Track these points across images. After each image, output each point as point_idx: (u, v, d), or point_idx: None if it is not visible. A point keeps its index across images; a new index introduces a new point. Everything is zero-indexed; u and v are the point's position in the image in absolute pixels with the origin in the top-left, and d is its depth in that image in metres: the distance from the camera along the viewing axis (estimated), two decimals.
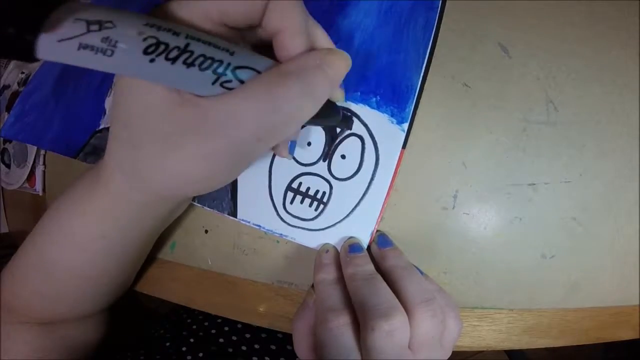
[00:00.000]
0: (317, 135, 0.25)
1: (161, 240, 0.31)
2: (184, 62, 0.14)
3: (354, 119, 0.25)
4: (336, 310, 0.21)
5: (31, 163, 0.40)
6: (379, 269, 0.23)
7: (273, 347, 0.34)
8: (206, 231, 0.30)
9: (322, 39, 0.19)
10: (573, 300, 0.25)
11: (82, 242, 0.23)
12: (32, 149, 0.40)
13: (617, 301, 0.25)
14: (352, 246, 0.24)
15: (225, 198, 0.27)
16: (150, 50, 0.14)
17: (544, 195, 0.24)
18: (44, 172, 0.41)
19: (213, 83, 0.15)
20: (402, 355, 0.19)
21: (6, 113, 0.44)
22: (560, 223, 0.24)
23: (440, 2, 0.25)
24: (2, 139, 0.45)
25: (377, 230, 0.25)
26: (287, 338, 0.35)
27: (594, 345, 0.25)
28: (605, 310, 0.25)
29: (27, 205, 0.46)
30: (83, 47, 0.13)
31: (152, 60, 0.14)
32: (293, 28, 0.17)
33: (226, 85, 0.15)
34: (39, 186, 0.41)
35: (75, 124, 0.34)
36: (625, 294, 0.25)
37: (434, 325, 0.20)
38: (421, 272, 0.23)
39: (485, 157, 0.24)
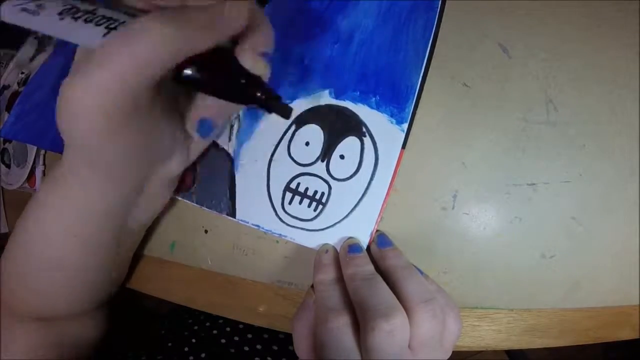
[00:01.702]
0: (316, 135, 0.25)
1: (161, 240, 0.31)
2: (85, 20, 0.18)
3: (354, 119, 0.25)
4: (336, 311, 0.21)
5: (31, 163, 0.40)
6: (378, 269, 0.23)
7: (275, 347, 0.34)
8: (206, 231, 0.30)
9: None
10: (573, 300, 0.25)
11: (56, 237, 0.24)
12: (32, 149, 0.40)
13: (617, 301, 0.25)
14: (352, 246, 0.24)
15: (224, 198, 0.27)
16: (64, 12, 0.18)
17: (544, 195, 0.24)
18: (44, 172, 0.41)
19: (104, 36, 0.17)
20: (402, 355, 0.19)
21: (6, 113, 0.44)
22: (560, 223, 0.24)
23: (440, 2, 0.24)
24: (2, 139, 0.45)
25: (377, 230, 0.25)
26: (289, 338, 0.35)
27: (594, 345, 0.25)
28: (605, 310, 0.25)
29: None
30: (23, 9, 0.18)
31: (62, 19, 0.18)
32: None
33: None
34: (38, 186, 0.41)
35: None
36: (625, 294, 0.25)
37: (434, 325, 0.20)
38: (421, 272, 0.23)
39: (485, 157, 0.24)
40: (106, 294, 0.31)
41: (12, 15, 0.18)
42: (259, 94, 0.18)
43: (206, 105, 0.23)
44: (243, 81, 0.18)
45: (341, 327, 0.21)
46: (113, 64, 0.16)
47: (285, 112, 0.19)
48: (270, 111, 0.19)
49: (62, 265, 0.26)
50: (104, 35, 0.17)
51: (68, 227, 0.24)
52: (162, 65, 0.16)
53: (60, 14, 0.18)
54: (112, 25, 0.17)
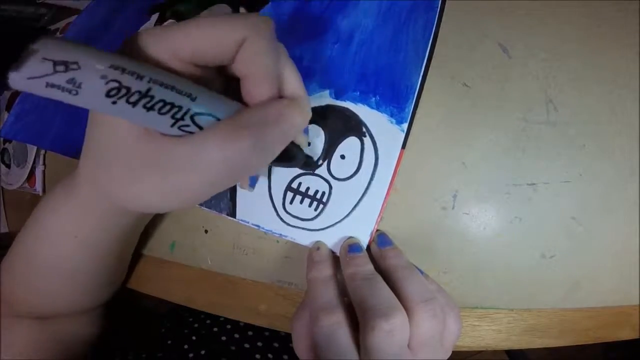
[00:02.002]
0: (317, 135, 0.25)
1: (161, 240, 0.31)
2: (144, 106, 0.15)
3: (354, 119, 0.25)
4: (328, 309, 0.21)
5: (31, 163, 0.40)
6: (378, 268, 0.23)
7: (276, 344, 0.34)
8: (206, 231, 0.30)
9: (292, 84, 0.19)
10: (573, 300, 0.25)
11: (58, 239, 0.25)
12: (32, 149, 0.40)
13: (617, 301, 0.25)
14: (352, 246, 0.24)
15: (224, 198, 0.27)
16: (112, 93, 0.14)
17: (544, 195, 0.24)
18: (44, 172, 0.41)
19: (172, 126, 0.16)
20: (402, 355, 0.19)
21: (6, 113, 0.44)
22: (560, 223, 0.24)
23: (440, 2, 0.25)
24: (2, 139, 0.45)
25: (377, 230, 0.25)
26: (290, 336, 0.35)
27: (594, 345, 0.25)
28: (605, 310, 0.25)
29: (27, 205, 0.46)
30: (50, 85, 0.14)
31: (114, 103, 0.15)
32: (259, 75, 0.17)
33: (184, 129, 0.16)
34: (39, 186, 0.41)
35: (76, 123, 0.34)
36: (625, 294, 0.25)
37: (434, 325, 0.20)
38: (421, 272, 0.23)
39: (485, 157, 0.24)
40: (107, 293, 0.31)
41: (35, 89, 0.14)
42: (302, 159, 0.22)
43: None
44: (292, 152, 0.21)
45: (333, 324, 0.21)
46: (195, 178, 0.17)
47: (314, 167, 0.26)
48: (306, 170, 0.26)
49: (63, 266, 0.26)
50: (172, 125, 0.16)
51: (72, 231, 0.24)
52: (240, 179, 0.19)
53: (109, 95, 0.14)
54: (177, 116, 0.16)
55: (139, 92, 0.15)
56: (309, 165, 0.25)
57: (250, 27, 0.16)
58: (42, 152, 0.41)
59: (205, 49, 0.16)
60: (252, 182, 0.25)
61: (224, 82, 0.19)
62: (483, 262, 0.25)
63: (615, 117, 0.24)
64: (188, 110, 0.16)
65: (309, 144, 0.26)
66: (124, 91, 0.15)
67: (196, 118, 0.16)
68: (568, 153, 0.24)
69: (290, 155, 0.21)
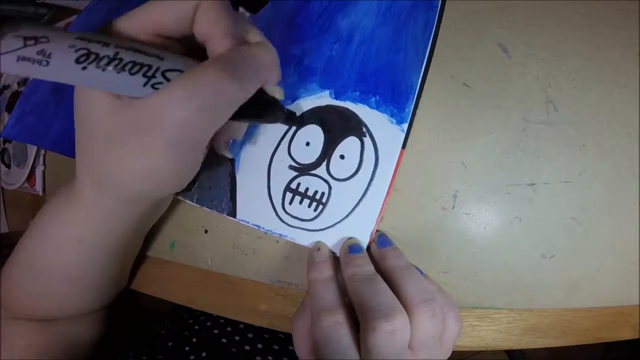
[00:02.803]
0: (316, 135, 0.25)
1: (161, 240, 0.31)
2: (114, 68, 0.16)
3: (354, 119, 0.25)
4: (328, 309, 0.21)
5: (31, 163, 0.40)
6: (378, 269, 0.23)
7: (276, 347, 0.34)
8: (206, 231, 0.30)
9: (256, 37, 0.20)
10: (573, 300, 0.25)
11: (62, 245, 0.25)
12: (32, 149, 0.40)
13: (617, 301, 0.25)
14: (352, 247, 0.24)
15: (225, 198, 0.27)
16: (81, 59, 0.15)
17: (544, 195, 0.24)
18: (44, 172, 0.41)
19: (144, 85, 0.17)
20: (402, 355, 0.19)
21: (6, 113, 0.44)
22: (560, 223, 0.24)
23: (440, 1, 0.24)
24: (2, 139, 0.45)
25: (377, 230, 0.25)
26: (290, 338, 0.35)
27: (594, 345, 0.25)
28: (605, 310, 0.25)
29: (27, 205, 0.46)
30: (21, 58, 0.15)
31: (84, 68, 0.16)
32: (218, 33, 0.18)
33: (157, 86, 0.17)
34: (39, 186, 0.41)
35: None
36: (625, 294, 0.25)
37: (434, 325, 0.20)
38: (421, 272, 0.23)
39: (485, 157, 0.24)
40: (110, 296, 0.31)
41: (7, 65, 0.15)
42: (282, 113, 0.22)
43: (234, 128, 0.24)
44: (270, 106, 0.21)
45: (334, 325, 0.21)
46: (180, 121, 0.17)
47: (299, 123, 0.26)
48: (290, 125, 0.25)
49: (68, 271, 0.26)
50: (145, 84, 0.17)
51: (76, 235, 0.24)
52: (225, 116, 0.18)
53: (78, 61, 0.15)
54: (149, 74, 0.17)
55: (108, 56, 0.16)
56: (291, 119, 0.24)
57: None
58: (42, 152, 0.41)
59: (164, 19, 0.18)
60: (234, 148, 0.24)
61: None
62: (483, 262, 0.25)
63: (615, 117, 0.24)
64: (158, 67, 0.17)
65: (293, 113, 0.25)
66: (93, 57, 0.16)
67: (167, 74, 0.17)
68: (568, 153, 0.24)
69: (267, 107, 0.21)
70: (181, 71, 0.17)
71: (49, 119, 0.35)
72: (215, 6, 0.18)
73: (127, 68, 0.16)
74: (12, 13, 0.50)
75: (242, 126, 0.25)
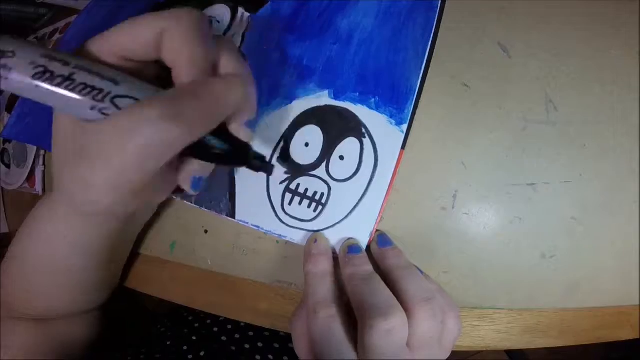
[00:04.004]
0: (315, 136, 0.25)
1: (161, 240, 0.31)
2: (66, 88, 0.16)
3: (353, 119, 0.25)
4: (323, 303, 0.21)
5: (31, 163, 0.40)
6: (379, 268, 0.23)
7: (276, 345, 0.34)
8: (206, 231, 0.30)
9: (226, 66, 0.19)
10: (573, 300, 0.25)
11: (49, 241, 0.26)
12: (32, 149, 0.40)
13: (617, 301, 0.25)
14: (351, 247, 0.24)
15: (224, 199, 0.27)
16: (37, 76, 0.16)
17: (544, 195, 0.24)
18: (43, 172, 0.41)
19: (91, 109, 0.17)
20: (401, 354, 0.19)
21: (6, 113, 0.44)
22: (560, 223, 0.24)
23: (440, 2, 0.24)
24: (2, 139, 0.45)
25: (377, 230, 0.25)
26: (290, 337, 0.35)
27: (594, 345, 0.25)
28: (605, 310, 0.25)
29: (27, 205, 0.46)
30: None
31: (37, 86, 0.16)
32: (181, 61, 0.18)
33: (105, 112, 0.17)
34: (39, 186, 0.41)
35: None
36: (625, 294, 0.25)
37: (433, 325, 0.20)
38: (421, 272, 0.23)
39: (485, 157, 0.24)
40: (102, 295, 0.31)
41: None
42: (249, 159, 0.21)
43: (198, 167, 0.22)
44: (234, 150, 0.20)
45: (328, 318, 0.21)
46: (116, 160, 0.17)
47: (269, 170, 0.24)
48: (257, 171, 0.22)
49: (57, 267, 0.26)
50: (92, 108, 0.17)
51: (62, 232, 0.25)
52: (163, 158, 0.17)
53: (34, 77, 0.16)
54: (97, 98, 0.17)
55: (62, 75, 0.16)
56: (263, 168, 0.22)
57: (169, 19, 0.17)
58: (42, 152, 0.41)
59: (127, 45, 0.18)
60: (196, 184, 0.22)
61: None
62: (483, 262, 0.25)
63: (615, 117, 0.24)
64: (109, 92, 0.17)
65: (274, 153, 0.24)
66: (47, 75, 0.16)
67: (117, 100, 0.17)
68: (568, 153, 0.24)
69: (234, 154, 0.20)
70: (135, 98, 0.17)
71: (49, 119, 0.35)
72: (181, 32, 0.17)
73: (77, 90, 0.17)
74: (12, 13, 0.50)
75: (208, 166, 0.23)
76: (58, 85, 0.16)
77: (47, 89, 0.16)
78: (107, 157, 0.17)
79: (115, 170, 0.17)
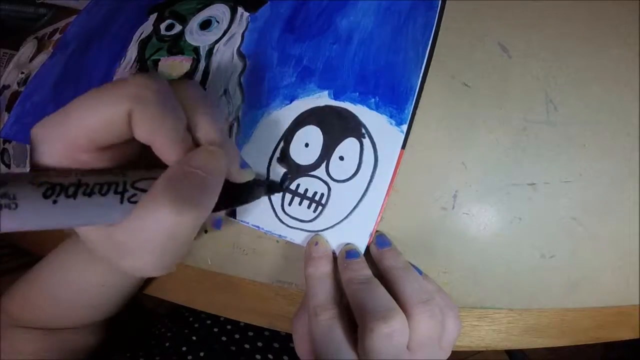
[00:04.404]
0: (315, 136, 0.25)
1: None
2: (84, 194, 0.15)
3: (353, 120, 0.25)
4: (324, 305, 0.22)
5: None
6: (377, 269, 0.23)
7: (276, 345, 0.34)
8: (206, 231, 0.30)
9: (204, 132, 0.19)
10: (573, 300, 0.25)
11: (85, 287, 0.28)
12: None
13: (617, 301, 0.25)
14: (349, 252, 0.24)
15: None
16: (48, 193, 0.14)
17: (544, 195, 0.24)
18: None
19: (121, 202, 0.16)
20: (400, 355, 0.19)
21: (6, 113, 0.44)
22: (560, 223, 0.24)
23: (440, 1, 0.24)
24: (2, 139, 0.45)
25: (377, 231, 0.25)
26: (290, 336, 0.35)
27: (594, 345, 0.25)
28: (605, 310, 0.25)
29: None
30: None
31: (55, 202, 0.14)
32: (158, 142, 0.17)
33: (133, 199, 0.16)
34: None
35: None
36: (625, 294, 0.25)
37: (432, 325, 0.20)
38: (420, 272, 0.23)
39: (485, 157, 0.24)
40: (119, 308, 0.32)
41: None
42: (260, 190, 0.23)
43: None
44: (247, 189, 0.22)
45: (328, 320, 0.21)
46: (154, 249, 0.17)
47: (284, 189, 0.26)
48: (274, 193, 0.25)
49: (87, 303, 0.29)
50: (121, 201, 0.16)
51: (100, 281, 0.27)
52: (196, 230, 0.18)
53: (46, 196, 0.14)
54: (119, 190, 0.16)
55: (72, 184, 0.15)
56: (273, 189, 0.25)
57: (132, 99, 0.16)
58: None
59: (97, 131, 0.16)
60: (217, 224, 0.25)
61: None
62: (483, 262, 0.25)
63: (615, 117, 0.24)
64: (125, 181, 0.16)
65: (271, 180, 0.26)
66: (58, 188, 0.14)
67: (138, 184, 0.16)
68: (568, 153, 0.24)
69: (247, 192, 0.22)
70: (150, 178, 0.17)
71: None
72: (148, 112, 0.16)
73: (96, 190, 0.15)
74: (12, 13, 0.50)
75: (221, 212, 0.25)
76: (75, 193, 0.15)
77: (68, 203, 0.14)
78: (144, 249, 0.17)
79: (156, 256, 0.17)
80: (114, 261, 0.19)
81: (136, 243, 0.17)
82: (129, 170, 0.17)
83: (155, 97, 0.16)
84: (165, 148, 0.17)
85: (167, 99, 0.17)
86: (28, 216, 0.14)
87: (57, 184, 0.14)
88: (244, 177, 0.22)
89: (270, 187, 0.25)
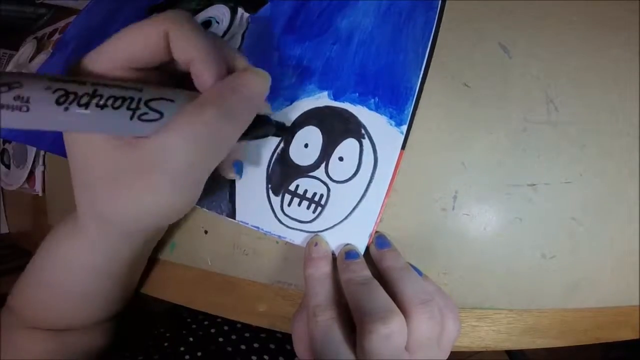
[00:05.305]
0: (315, 137, 0.25)
1: (161, 241, 0.31)
2: (97, 105, 0.15)
3: (353, 120, 0.25)
4: (323, 306, 0.22)
5: (31, 164, 0.40)
6: (377, 270, 0.23)
7: (272, 346, 0.34)
8: (206, 232, 0.30)
9: (238, 61, 0.20)
10: (573, 300, 0.25)
11: (70, 268, 0.26)
12: (31, 150, 0.40)
13: (617, 301, 0.25)
14: (348, 253, 0.24)
15: (224, 200, 0.27)
16: (61, 100, 0.14)
17: (544, 195, 0.24)
18: (43, 172, 0.41)
19: (131, 118, 0.16)
20: (399, 356, 0.19)
21: None
22: (560, 223, 0.24)
23: (440, 1, 0.24)
24: (1, 139, 0.45)
25: (376, 232, 0.25)
26: (286, 337, 0.35)
27: (594, 345, 0.25)
28: (605, 310, 0.25)
29: (27, 205, 0.46)
30: None
31: (66, 109, 0.15)
32: (199, 55, 0.18)
33: (144, 117, 0.16)
34: (38, 187, 0.41)
35: None
36: (625, 294, 0.25)
37: (431, 326, 0.20)
38: (420, 273, 0.23)
39: (485, 157, 0.24)
40: (117, 308, 0.32)
41: None
42: (272, 127, 0.23)
43: (234, 151, 0.25)
44: (260, 123, 0.22)
45: (327, 320, 0.21)
46: (184, 166, 0.17)
47: (291, 132, 0.26)
48: (282, 136, 0.26)
49: (79, 291, 0.28)
50: (132, 117, 0.16)
51: (82, 262, 0.26)
52: (223, 155, 0.19)
53: (59, 103, 0.14)
54: (132, 106, 0.16)
55: (87, 93, 0.15)
56: (283, 130, 0.25)
57: (168, 20, 0.17)
58: (42, 152, 0.41)
59: (135, 51, 0.17)
60: (238, 169, 0.25)
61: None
62: (483, 263, 0.25)
63: (615, 117, 0.24)
64: (140, 98, 0.16)
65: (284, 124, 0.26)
66: (72, 96, 0.15)
67: (151, 103, 0.16)
68: (568, 153, 0.24)
69: (260, 125, 0.22)
70: (164, 99, 0.17)
71: None
72: (188, 31, 0.17)
73: (109, 103, 0.15)
74: (12, 13, 0.50)
75: (241, 146, 0.26)
76: (88, 103, 0.15)
77: (79, 112, 0.15)
78: (174, 162, 0.17)
79: (183, 171, 0.17)
80: (109, 194, 0.18)
81: (164, 159, 0.17)
82: (145, 86, 0.17)
83: (189, 20, 0.18)
84: (205, 65, 0.18)
85: (199, 25, 0.18)
86: (38, 119, 0.15)
87: (71, 92, 0.15)
88: (265, 109, 0.22)
89: (280, 128, 0.25)
